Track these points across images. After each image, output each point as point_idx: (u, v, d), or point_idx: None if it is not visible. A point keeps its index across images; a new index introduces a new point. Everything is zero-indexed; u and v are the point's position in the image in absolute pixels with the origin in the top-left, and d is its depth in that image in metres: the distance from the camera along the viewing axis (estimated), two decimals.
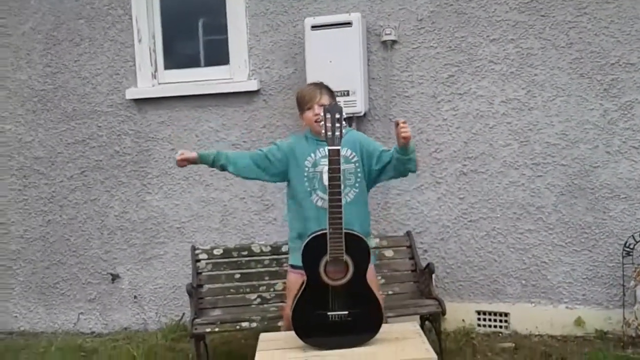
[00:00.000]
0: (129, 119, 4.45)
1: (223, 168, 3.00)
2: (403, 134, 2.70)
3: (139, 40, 4.37)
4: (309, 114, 2.94)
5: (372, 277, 2.91)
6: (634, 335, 3.62)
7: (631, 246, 3.64)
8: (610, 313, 3.82)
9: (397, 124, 2.72)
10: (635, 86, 3.72)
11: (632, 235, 3.65)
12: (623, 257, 3.67)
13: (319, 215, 2.84)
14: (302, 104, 2.96)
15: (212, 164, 3.00)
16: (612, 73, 3.75)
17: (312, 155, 2.91)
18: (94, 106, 4.49)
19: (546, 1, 3.80)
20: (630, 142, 3.76)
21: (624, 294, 3.71)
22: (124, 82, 4.43)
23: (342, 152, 2.75)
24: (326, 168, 2.81)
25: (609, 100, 3.77)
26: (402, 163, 2.83)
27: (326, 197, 2.78)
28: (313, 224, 2.84)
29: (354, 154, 2.90)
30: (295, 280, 2.95)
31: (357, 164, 2.90)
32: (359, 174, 2.91)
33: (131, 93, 4.39)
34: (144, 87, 4.39)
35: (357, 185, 2.90)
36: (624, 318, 3.67)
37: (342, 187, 2.67)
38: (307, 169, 2.91)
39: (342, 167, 2.67)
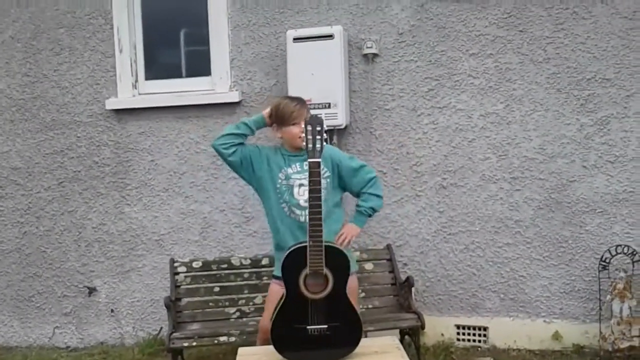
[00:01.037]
0: (108, 130, 4.41)
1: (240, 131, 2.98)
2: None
3: (120, 51, 4.34)
4: (294, 130, 2.91)
5: (354, 288, 2.92)
6: (611, 349, 3.65)
7: (607, 260, 3.68)
8: (587, 327, 3.85)
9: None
10: (611, 101, 3.79)
11: (608, 250, 3.69)
12: (599, 271, 3.71)
13: (291, 224, 2.89)
14: (288, 119, 2.91)
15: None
16: (589, 88, 3.81)
17: (284, 170, 2.93)
18: (73, 116, 4.44)
19: (524, 16, 3.86)
20: (606, 156, 3.81)
21: (601, 308, 3.74)
22: (104, 92, 4.40)
23: None
24: (297, 182, 2.88)
25: (586, 115, 3.83)
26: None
27: (296, 210, 2.87)
28: (287, 234, 2.89)
29: (325, 169, 2.91)
30: (276, 291, 2.95)
31: (327, 180, 2.91)
32: (330, 190, 2.92)
33: (111, 103, 4.36)
34: (125, 98, 4.36)
35: (328, 202, 2.90)
36: (601, 332, 3.70)
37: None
38: (280, 180, 2.92)
39: None
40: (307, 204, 2.74)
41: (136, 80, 4.39)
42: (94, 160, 4.44)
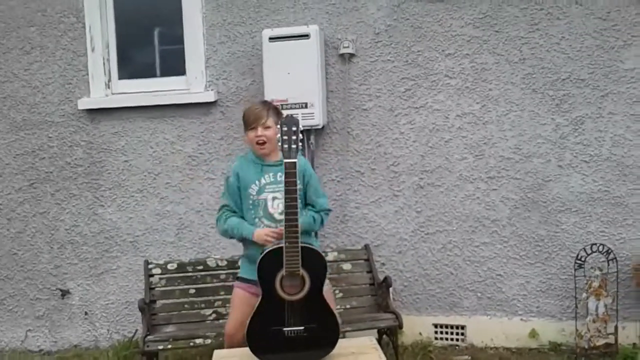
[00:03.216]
0: (81, 130, 4.33)
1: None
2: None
3: (92, 49, 4.27)
4: (250, 134, 2.87)
5: (328, 291, 2.89)
6: (587, 347, 3.69)
7: (583, 259, 3.71)
8: (564, 325, 3.88)
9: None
10: (585, 102, 3.82)
11: (584, 248, 3.72)
12: (575, 269, 3.74)
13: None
14: (247, 124, 2.89)
15: None
16: (564, 88, 3.84)
17: (257, 182, 2.86)
18: (45, 116, 4.36)
19: (500, 17, 3.87)
20: (581, 156, 3.85)
21: (577, 306, 3.77)
22: (76, 91, 4.32)
23: None
24: (271, 195, 2.82)
25: (561, 115, 3.86)
26: None
27: (271, 224, 2.79)
28: (257, 252, 2.70)
29: (298, 181, 2.85)
30: (239, 295, 2.90)
31: (300, 191, 2.83)
32: (301, 200, 2.86)
33: (84, 103, 4.28)
34: (97, 97, 4.28)
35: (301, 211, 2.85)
36: (577, 330, 3.73)
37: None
38: (251, 196, 2.85)
39: None
40: (282, 217, 2.65)
41: (109, 80, 4.32)
42: (66, 160, 4.35)
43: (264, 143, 2.83)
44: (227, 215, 2.91)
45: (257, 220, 2.84)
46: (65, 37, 4.30)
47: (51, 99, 4.34)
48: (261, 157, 2.89)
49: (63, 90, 4.33)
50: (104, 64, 4.28)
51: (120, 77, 4.35)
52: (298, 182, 2.80)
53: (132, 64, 4.41)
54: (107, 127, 4.30)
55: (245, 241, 2.91)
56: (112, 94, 4.32)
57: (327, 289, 2.86)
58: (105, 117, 4.29)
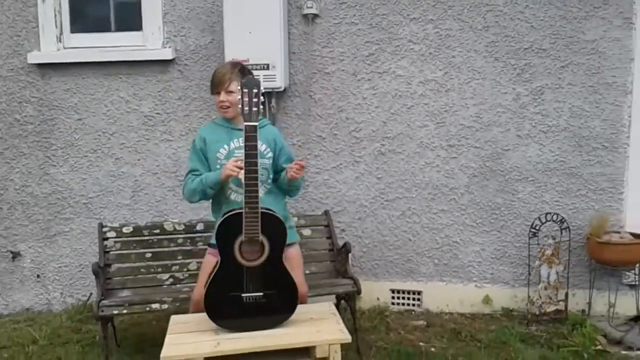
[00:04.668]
0: (31, 85, 4.14)
1: None
2: (294, 175, 2.68)
3: (43, 0, 4.05)
4: (216, 99, 2.80)
5: (298, 258, 2.90)
6: (538, 313, 3.79)
7: (537, 227, 3.79)
8: (516, 291, 3.98)
9: (292, 167, 2.69)
10: (546, 72, 3.84)
11: (538, 217, 3.79)
12: (529, 237, 3.81)
13: (233, 205, 2.69)
14: (212, 88, 2.82)
15: None
16: (525, 58, 3.85)
17: (225, 146, 2.77)
18: None
19: None
20: (539, 126, 3.89)
21: (529, 274, 3.86)
22: (26, 44, 4.11)
23: (258, 146, 2.63)
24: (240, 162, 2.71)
25: (521, 85, 3.87)
26: (284, 188, 2.86)
27: (240, 190, 2.68)
28: None
29: (268, 149, 2.80)
30: (210, 262, 2.85)
31: (270, 160, 2.80)
32: (270, 170, 2.81)
33: (33, 57, 4.08)
34: (48, 51, 4.09)
35: (269, 181, 2.81)
36: (529, 296, 3.83)
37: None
38: (219, 161, 2.75)
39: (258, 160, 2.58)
40: None
41: (61, 33, 4.12)
42: (15, 117, 4.16)
43: (228, 107, 2.76)
44: (193, 178, 2.80)
45: (224, 185, 2.74)
46: None
47: None
48: (230, 121, 2.80)
49: (11, 42, 4.11)
50: (55, 15, 4.07)
51: (73, 31, 4.15)
52: (269, 149, 2.77)
53: (85, 17, 4.20)
54: (59, 84, 4.12)
55: (218, 206, 2.83)
56: (64, 48, 4.13)
57: (297, 253, 2.90)
58: (56, 72, 4.11)
